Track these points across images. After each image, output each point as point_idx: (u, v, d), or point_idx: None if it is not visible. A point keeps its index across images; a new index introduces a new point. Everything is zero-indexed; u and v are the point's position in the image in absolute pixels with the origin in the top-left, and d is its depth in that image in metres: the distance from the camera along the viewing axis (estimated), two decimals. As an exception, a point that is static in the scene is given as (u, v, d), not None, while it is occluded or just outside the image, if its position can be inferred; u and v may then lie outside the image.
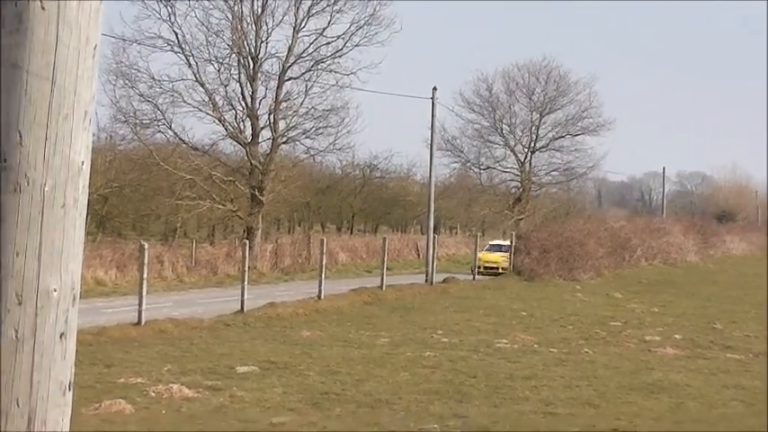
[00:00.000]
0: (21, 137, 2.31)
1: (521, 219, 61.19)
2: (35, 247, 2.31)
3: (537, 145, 65.65)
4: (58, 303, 2.35)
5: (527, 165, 65.82)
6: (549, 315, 26.75)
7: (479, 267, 41.93)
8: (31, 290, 2.31)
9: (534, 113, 65.59)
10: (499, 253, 45.21)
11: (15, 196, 2.30)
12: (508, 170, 67.22)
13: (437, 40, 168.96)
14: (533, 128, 65.60)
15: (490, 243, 49.50)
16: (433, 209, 39.97)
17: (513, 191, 67.10)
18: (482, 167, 67.54)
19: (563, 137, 65.80)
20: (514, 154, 66.21)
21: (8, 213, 2.30)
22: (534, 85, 65.72)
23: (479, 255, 43.10)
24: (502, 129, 65.94)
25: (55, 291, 2.34)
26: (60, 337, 2.35)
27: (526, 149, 65.89)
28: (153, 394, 13.46)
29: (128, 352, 17.56)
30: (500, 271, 42.75)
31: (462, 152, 66.13)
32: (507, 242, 45.72)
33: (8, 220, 2.30)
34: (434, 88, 39.59)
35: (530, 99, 65.69)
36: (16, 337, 2.30)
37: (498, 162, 66.88)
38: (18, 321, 2.30)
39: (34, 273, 2.31)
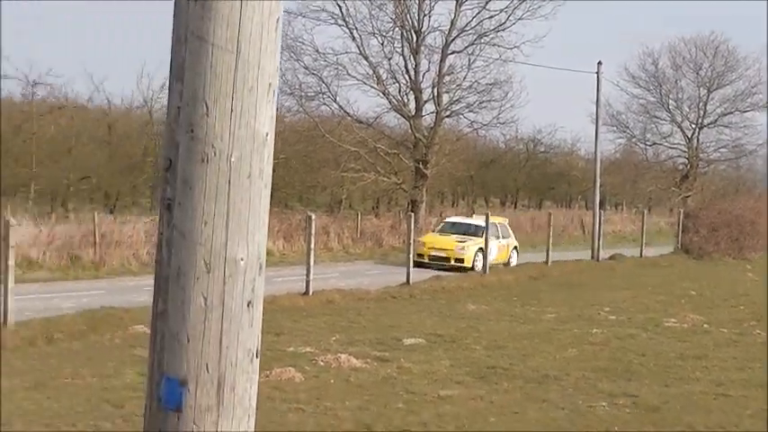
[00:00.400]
0: (207, 108, 2.35)
1: (688, 196, 59.90)
2: (222, 216, 2.35)
3: (705, 121, 64.04)
4: (245, 272, 2.38)
5: (694, 141, 64.34)
6: (718, 294, 26.03)
7: (421, 256, 30.96)
8: (219, 258, 2.35)
9: (702, 89, 63.97)
10: (456, 236, 32.87)
11: (203, 166, 2.35)
12: (675, 146, 65.88)
13: (600, 13, 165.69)
14: (701, 103, 64.00)
15: (446, 220, 36.49)
16: (598, 184, 39.38)
17: (681, 167, 65.71)
18: (648, 143, 66.49)
19: (732, 113, 63.97)
20: (681, 130, 64.77)
21: (195, 183, 2.34)
22: (702, 60, 64.05)
23: (424, 238, 33.18)
24: (668, 104, 64.62)
25: (242, 260, 2.37)
26: (248, 305, 2.39)
27: (693, 125, 64.35)
28: (322, 363, 13.65)
29: (296, 321, 17.87)
30: (452, 263, 31.19)
31: (628, 127, 65.18)
32: (477, 221, 33.18)
33: (195, 189, 2.35)
34: (599, 63, 39.02)
35: (697, 74, 64.04)
36: (205, 303, 2.34)
37: (665, 138, 65.61)
38: (206, 288, 2.34)
39: (221, 241, 2.35)
